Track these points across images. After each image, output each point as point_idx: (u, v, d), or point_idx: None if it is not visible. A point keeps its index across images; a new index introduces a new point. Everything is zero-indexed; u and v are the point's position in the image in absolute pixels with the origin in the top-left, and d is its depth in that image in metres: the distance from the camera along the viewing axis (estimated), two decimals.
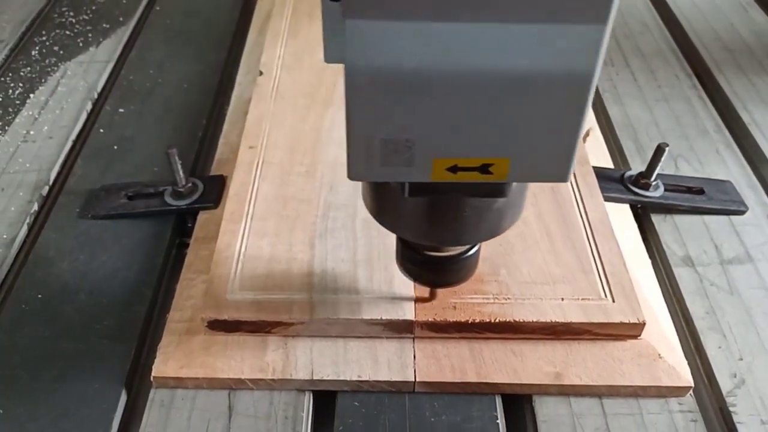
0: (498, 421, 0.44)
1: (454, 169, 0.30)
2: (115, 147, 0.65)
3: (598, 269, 0.48)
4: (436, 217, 0.36)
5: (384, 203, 0.37)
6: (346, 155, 0.30)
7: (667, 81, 0.73)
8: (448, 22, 0.26)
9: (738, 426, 0.43)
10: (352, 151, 0.30)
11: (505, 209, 0.36)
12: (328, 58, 0.31)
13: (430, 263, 0.41)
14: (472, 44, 0.26)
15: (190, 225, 0.58)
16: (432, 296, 0.46)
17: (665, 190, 0.57)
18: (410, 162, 0.30)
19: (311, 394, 0.46)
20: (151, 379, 0.46)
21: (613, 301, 0.46)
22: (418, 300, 0.46)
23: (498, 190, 0.33)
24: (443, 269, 0.42)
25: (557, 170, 0.31)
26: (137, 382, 0.48)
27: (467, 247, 0.41)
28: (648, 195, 0.57)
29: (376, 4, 0.26)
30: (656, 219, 0.57)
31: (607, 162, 0.62)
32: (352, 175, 0.31)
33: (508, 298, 0.46)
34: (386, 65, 0.27)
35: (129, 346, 0.48)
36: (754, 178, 0.61)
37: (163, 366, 0.46)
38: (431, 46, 0.27)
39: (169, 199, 0.57)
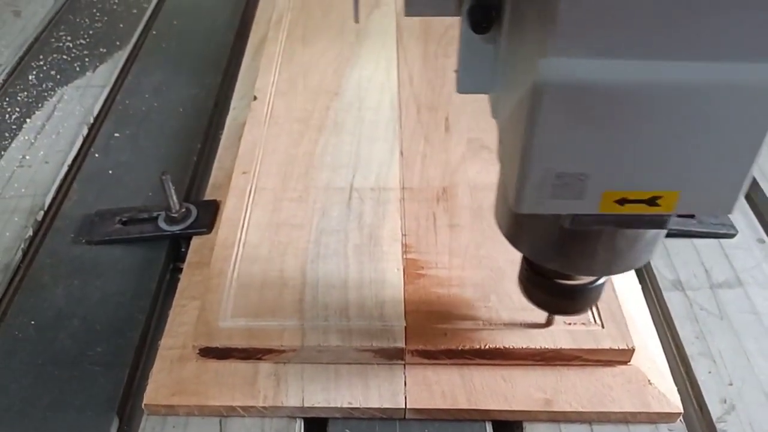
0: None
1: (622, 201, 0.30)
2: (110, 171, 0.65)
3: None
4: (589, 248, 0.36)
5: (534, 232, 0.37)
6: (516, 187, 0.30)
7: None
8: (650, 60, 0.26)
9: None
10: (526, 183, 0.30)
11: (653, 240, 0.36)
12: (463, 88, 0.30)
13: (561, 291, 0.41)
14: (664, 80, 0.26)
15: (183, 250, 0.58)
16: (549, 322, 0.46)
17: None
18: (581, 195, 0.30)
19: (302, 422, 0.46)
20: (143, 406, 0.46)
21: (603, 327, 0.46)
22: (409, 328, 0.47)
23: (660, 222, 0.33)
24: (572, 297, 0.41)
25: (724, 202, 0.30)
26: (129, 409, 0.48)
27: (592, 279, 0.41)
28: None
29: (587, 44, 0.26)
30: None
31: None
32: (521, 208, 0.31)
33: (498, 325, 0.47)
34: (577, 98, 0.27)
35: (121, 373, 0.48)
36: (743, 201, 0.62)
37: (154, 393, 0.46)
38: (627, 80, 0.26)
39: (162, 225, 0.58)
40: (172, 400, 0.46)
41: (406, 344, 0.46)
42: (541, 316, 0.46)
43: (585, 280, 0.40)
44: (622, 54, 0.26)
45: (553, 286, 0.41)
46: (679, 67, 0.26)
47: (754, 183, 0.63)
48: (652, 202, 0.30)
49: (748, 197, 0.62)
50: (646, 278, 0.56)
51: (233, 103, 0.73)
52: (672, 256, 0.56)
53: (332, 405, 0.45)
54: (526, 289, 0.43)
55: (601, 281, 0.41)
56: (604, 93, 0.27)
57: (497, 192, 0.39)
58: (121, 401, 0.47)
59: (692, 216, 0.58)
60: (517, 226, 0.37)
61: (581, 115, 0.27)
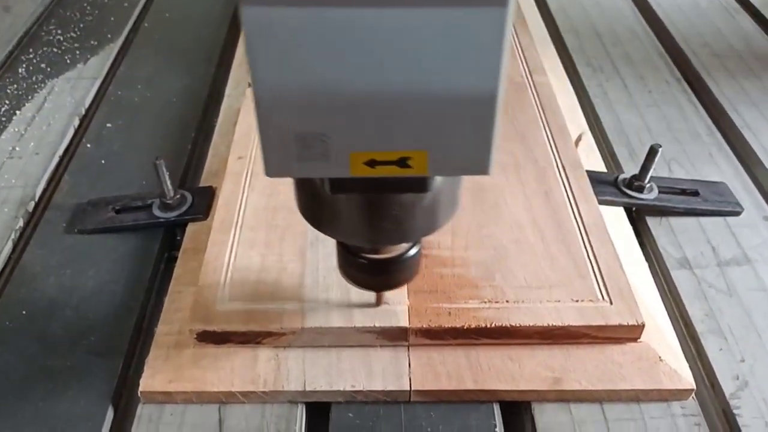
0: (497, 429, 0.43)
1: (372, 163, 0.29)
2: (103, 161, 0.64)
3: (594, 272, 0.47)
4: (366, 216, 0.35)
5: (312, 203, 0.36)
6: (261, 150, 0.29)
7: (657, 86, 0.73)
8: (346, 8, 0.25)
9: (743, 429, 0.42)
10: (266, 146, 0.29)
11: (438, 203, 0.35)
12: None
13: (371, 266, 0.40)
14: (376, 33, 0.25)
15: (179, 238, 0.57)
16: (378, 302, 0.45)
17: (659, 192, 0.57)
18: (326, 157, 0.29)
19: (304, 406, 0.44)
20: (139, 394, 0.44)
21: (611, 304, 0.45)
22: (412, 308, 0.45)
23: (421, 184, 0.32)
24: (384, 271, 0.40)
25: (478, 163, 0.29)
26: (125, 398, 0.46)
27: (406, 248, 0.39)
28: (642, 197, 0.56)
29: None
30: (651, 222, 0.57)
31: (600, 166, 0.62)
32: (268, 172, 0.30)
33: (504, 303, 0.45)
34: (291, 56, 0.26)
35: (116, 362, 0.47)
36: (748, 179, 0.61)
37: (150, 380, 0.44)
38: (334, 35, 0.26)
39: (157, 212, 0.56)
40: (168, 387, 0.44)
41: (409, 324, 0.44)
42: (550, 294, 0.45)
43: (393, 252, 0.39)
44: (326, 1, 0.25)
45: (364, 262, 0.39)
46: (384, 16, 0.25)
47: (759, 161, 0.62)
48: (402, 163, 0.29)
49: (752, 175, 0.61)
50: (652, 256, 0.54)
51: (228, 91, 0.72)
52: (678, 235, 0.55)
53: (334, 389, 0.44)
54: (341, 268, 0.42)
55: (411, 252, 0.39)
56: (313, 40, 0.26)
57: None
58: (116, 390, 0.46)
59: (697, 193, 0.57)
60: (306, 202, 0.36)
61: (297, 73, 0.26)
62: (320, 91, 0.27)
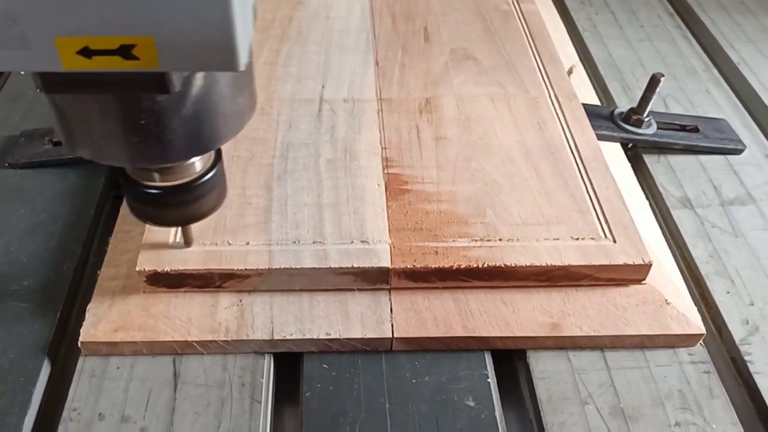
0: (488, 379, 0.38)
1: (87, 52, 0.23)
2: (36, 90, 0.56)
3: (595, 208, 0.43)
4: (107, 127, 0.28)
5: (51, 111, 0.29)
6: None
7: (649, 21, 0.68)
8: None
9: (755, 376, 0.39)
10: None
11: (207, 112, 0.28)
12: None
13: (155, 196, 0.33)
14: None
15: None
16: (187, 240, 0.39)
17: (658, 128, 0.52)
18: (25, 43, 0.23)
19: (272, 357, 0.39)
20: (79, 344, 0.38)
21: (615, 242, 0.41)
22: (394, 247, 0.40)
23: (159, 84, 0.26)
24: (174, 201, 0.34)
25: (222, 55, 0.24)
26: (64, 350, 0.40)
27: (197, 173, 0.33)
28: (641, 132, 0.52)
29: None
30: (649, 160, 0.52)
31: (593, 101, 0.57)
32: None
33: (497, 241, 0.41)
34: None
35: (53, 310, 0.41)
36: (748, 117, 0.57)
37: (93, 330, 0.38)
38: None
39: None
40: (114, 336, 0.38)
41: (391, 264, 0.39)
42: (548, 231, 0.41)
43: (181, 175, 0.33)
44: None
45: (144, 191, 0.33)
46: None
47: (758, 99, 0.58)
48: (126, 53, 0.23)
49: (752, 113, 0.57)
50: (650, 196, 0.50)
51: None
52: (677, 173, 0.51)
53: (307, 337, 0.38)
54: (129, 206, 0.35)
55: (208, 176, 0.33)
56: None
57: None
58: (53, 342, 0.40)
59: (697, 130, 0.53)
60: (59, 123, 0.29)
61: None
62: None
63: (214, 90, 0.28)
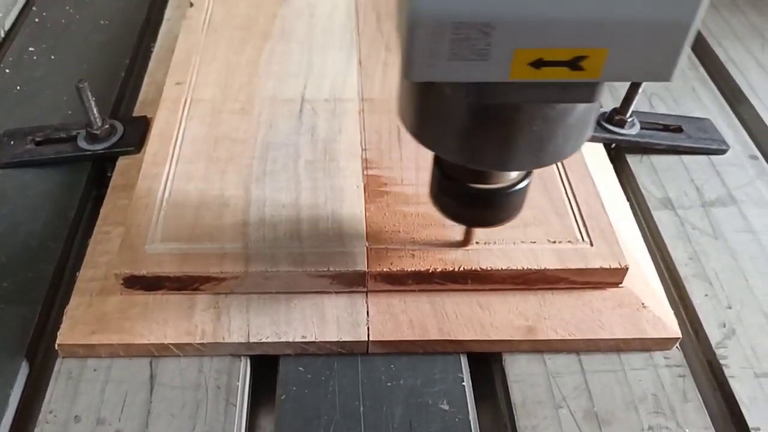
0: (464, 383, 0.38)
1: (538, 63, 0.24)
2: (19, 88, 0.56)
3: (573, 211, 0.43)
4: (500, 133, 0.29)
5: (433, 115, 0.30)
6: (403, 50, 0.24)
7: None
8: None
9: (730, 380, 0.39)
10: (413, 42, 0.23)
11: (576, 125, 0.30)
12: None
13: (475, 197, 0.34)
14: None
15: (109, 174, 0.50)
16: (467, 240, 0.40)
17: (641, 128, 0.52)
18: (486, 54, 0.24)
19: (248, 360, 0.39)
20: (56, 347, 0.39)
21: (592, 245, 0.41)
22: (371, 250, 0.40)
23: (587, 92, 0.27)
24: (490, 203, 0.35)
25: (662, 66, 0.25)
26: (42, 352, 0.41)
27: (518, 177, 0.34)
28: (624, 133, 0.51)
29: None
30: (632, 160, 0.52)
31: None
32: (413, 73, 0.25)
33: (474, 245, 0.41)
34: None
35: (32, 311, 0.41)
36: (733, 116, 0.56)
37: (70, 332, 0.39)
38: None
39: (83, 144, 0.50)
40: (91, 338, 0.38)
41: (368, 267, 0.39)
42: (524, 234, 0.41)
43: (503, 182, 0.34)
44: None
45: (468, 191, 0.34)
46: None
47: (744, 98, 0.58)
48: (574, 64, 0.25)
49: (736, 112, 0.57)
50: (632, 196, 0.50)
51: (167, 14, 0.64)
52: (660, 174, 0.51)
53: (283, 340, 0.38)
54: (438, 200, 0.36)
55: (523, 183, 0.34)
56: None
57: (399, 82, 0.31)
58: (31, 343, 0.40)
59: (680, 130, 0.53)
60: (419, 113, 0.30)
61: None
62: None
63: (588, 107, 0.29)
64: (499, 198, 0.35)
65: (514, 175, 0.34)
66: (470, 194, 0.34)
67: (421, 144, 0.31)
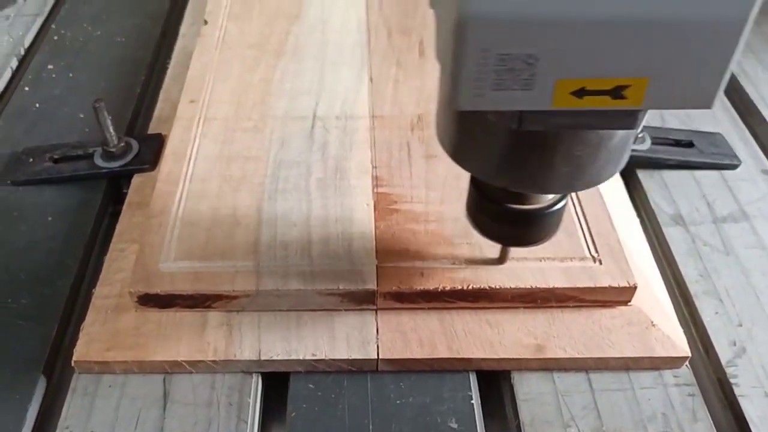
0: (473, 401, 0.39)
1: (580, 92, 0.25)
2: (41, 106, 0.58)
3: (582, 228, 0.43)
4: (542, 157, 0.30)
5: (475, 139, 0.31)
6: (451, 77, 0.25)
7: None
8: None
9: (740, 399, 0.39)
10: (463, 69, 0.24)
11: (620, 147, 0.30)
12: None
13: (514, 217, 0.35)
14: None
15: (125, 191, 0.51)
16: (502, 258, 0.41)
17: (652, 143, 0.52)
18: (530, 84, 0.25)
19: (259, 377, 0.40)
20: (72, 363, 0.39)
21: (600, 264, 0.41)
22: (381, 268, 0.41)
23: (629, 120, 0.27)
24: (527, 223, 0.36)
25: (702, 94, 0.25)
26: (59, 368, 0.41)
27: (555, 198, 0.35)
28: (634, 148, 0.51)
29: None
30: (642, 175, 0.52)
31: None
32: (459, 102, 0.25)
33: (483, 262, 0.41)
34: None
35: (49, 327, 0.42)
36: (745, 130, 0.56)
37: (85, 348, 0.39)
38: None
39: (99, 161, 0.51)
40: (106, 356, 0.39)
41: (377, 286, 0.40)
42: (533, 252, 0.41)
43: (541, 203, 0.35)
44: None
45: (505, 211, 0.35)
46: None
47: (756, 111, 0.57)
48: (616, 93, 0.25)
49: (749, 125, 0.57)
50: (643, 212, 0.50)
51: (182, 30, 0.65)
52: (670, 188, 0.51)
53: (293, 357, 0.39)
54: (475, 218, 0.37)
55: (560, 204, 0.35)
56: None
57: (438, 104, 0.32)
58: (49, 359, 0.41)
59: (691, 144, 0.53)
60: (460, 137, 0.31)
61: None
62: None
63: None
64: (536, 219, 0.35)
65: (551, 195, 0.35)
66: (507, 214, 0.35)
67: (461, 167, 0.32)
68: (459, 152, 0.32)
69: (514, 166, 0.31)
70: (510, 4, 0.23)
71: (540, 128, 0.28)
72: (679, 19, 0.23)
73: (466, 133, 0.31)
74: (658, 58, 0.24)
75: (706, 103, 0.25)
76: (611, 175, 0.32)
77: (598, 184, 0.32)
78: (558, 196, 0.35)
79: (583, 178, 0.31)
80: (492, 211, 0.36)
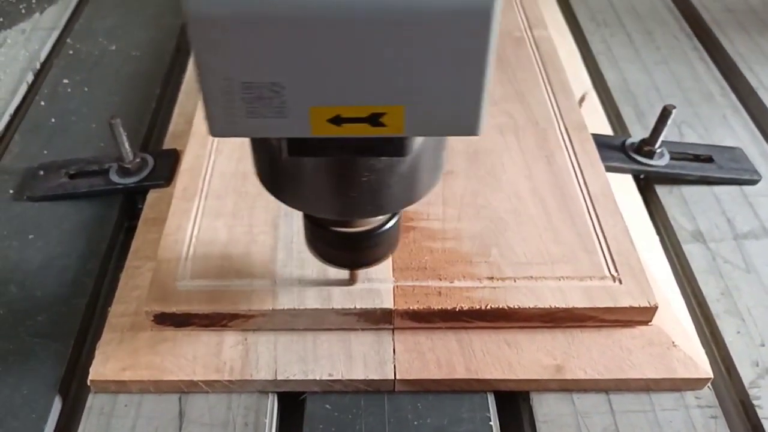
0: (491, 422, 0.38)
1: (337, 120, 0.25)
2: (57, 121, 0.58)
3: (601, 247, 0.42)
4: (333, 183, 0.30)
5: (271, 167, 0.31)
6: (204, 105, 0.24)
7: (665, 42, 0.67)
8: None
9: (763, 422, 0.38)
10: (208, 99, 0.24)
11: (418, 169, 0.30)
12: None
13: (342, 241, 0.35)
14: None
15: (140, 206, 0.51)
16: (352, 279, 0.40)
17: (671, 158, 0.52)
18: (282, 112, 0.24)
19: (275, 397, 0.40)
20: (88, 383, 0.39)
21: (621, 283, 0.40)
22: (398, 287, 0.40)
23: (396, 147, 0.27)
24: (357, 247, 0.35)
25: (465, 121, 0.25)
26: (75, 386, 0.41)
27: (383, 219, 0.35)
28: (653, 164, 0.51)
29: None
30: (661, 191, 0.51)
31: (605, 129, 0.57)
32: (212, 130, 0.25)
33: (501, 281, 0.40)
34: None
35: (65, 345, 0.42)
36: (765, 144, 0.56)
37: (101, 368, 0.39)
38: None
39: (114, 177, 0.51)
40: (122, 375, 0.39)
41: (394, 305, 0.39)
42: (552, 271, 0.40)
43: (368, 224, 0.34)
44: None
45: (334, 236, 0.35)
46: None
47: None
48: (374, 120, 0.25)
49: None
50: (662, 229, 0.50)
51: None
52: (691, 205, 0.50)
53: (310, 377, 0.39)
54: (309, 243, 0.37)
55: (388, 225, 0.35)
56: None
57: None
58: (65, 378, 0.41)
59: (711, 159, 0.52)
60: (259, 164, 0.31)
61: (244, 7, 0.22)
62: (269, 25, 0.22)
63: (431, 147, 0.30)
64: (368, 240, 0.35)
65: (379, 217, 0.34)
66: (339, 238, 0.35)
67: (278, 199, 0.32)
68: (267, 182, 0.32)
69: (305, 192, 0.31)
70: (244, 23, 0.22)
71: (308, 156, 0.27)
72: (418, 14, 0.22)
73: (261, 160, 0.31)
74: (409, 84, 0.23)
75: (472, 130, 0.25)
76: (417, 197, 0.31)
77: (408, 205, 0.32)
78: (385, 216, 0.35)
79: (382, 202, 0.30)
80: (322, 237, 0.35)
